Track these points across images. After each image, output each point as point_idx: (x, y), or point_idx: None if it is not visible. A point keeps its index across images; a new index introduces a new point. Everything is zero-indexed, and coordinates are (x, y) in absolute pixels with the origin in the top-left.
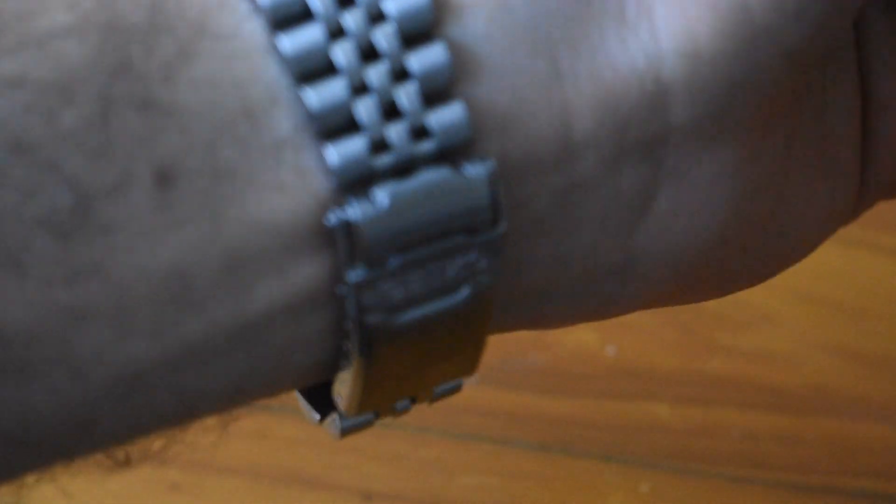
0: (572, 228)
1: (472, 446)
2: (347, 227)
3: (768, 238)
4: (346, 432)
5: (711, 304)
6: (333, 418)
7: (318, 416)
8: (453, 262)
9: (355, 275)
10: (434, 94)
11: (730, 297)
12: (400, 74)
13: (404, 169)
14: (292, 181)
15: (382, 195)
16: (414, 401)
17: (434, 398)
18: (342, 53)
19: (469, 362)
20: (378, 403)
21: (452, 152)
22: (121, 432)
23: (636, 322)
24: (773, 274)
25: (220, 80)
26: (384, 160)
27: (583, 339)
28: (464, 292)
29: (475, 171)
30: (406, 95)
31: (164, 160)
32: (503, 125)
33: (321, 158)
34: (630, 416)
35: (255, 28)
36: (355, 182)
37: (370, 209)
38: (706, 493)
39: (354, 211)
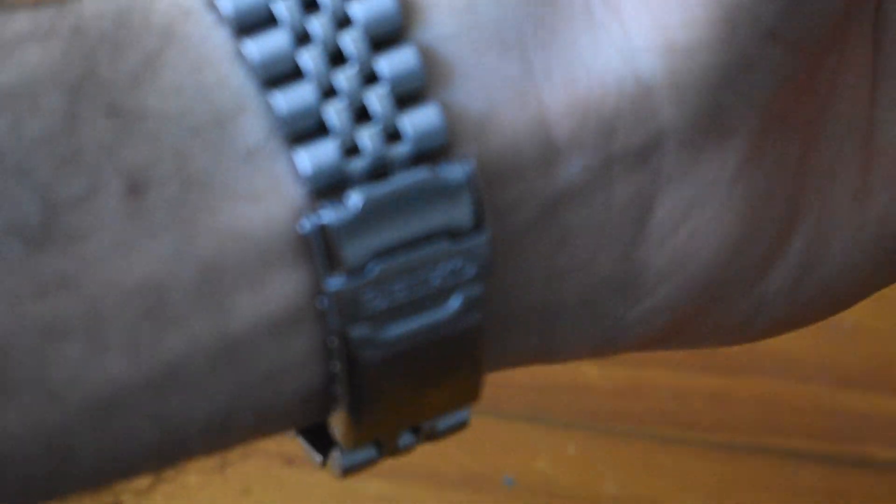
0: (565, 240)
1: None
2: (322, 234)
3: (792, 252)
4: (347, 471)
5: None
6: (334, 457)
7: (319, 458)
8: (438, 271)
9: (334, 283)
10: (406, 98)
11: None
12: (370, 78)
13: (379, 173)
14: (266, 189)
15: (357, 198)
16: (418, 435)
17: (439, 433)
18: (309, 58)
19: (469, 387)
20: (376, 432)
21: (429, 156)
22: (103, 464)
23: None
24: (819, 310)
25: (188, 88)
26: (357, 164)
27: None
28: (453, 303)
29: (453, 172)
30: (377, 98)
31: (134, 168)
32: (479, 128)
33: (293, 165)
34: (558, 376)
35: (221, 36)
36: (329, 187)
37: (344, 213)
38: (635, 453)
39: (328, 216)
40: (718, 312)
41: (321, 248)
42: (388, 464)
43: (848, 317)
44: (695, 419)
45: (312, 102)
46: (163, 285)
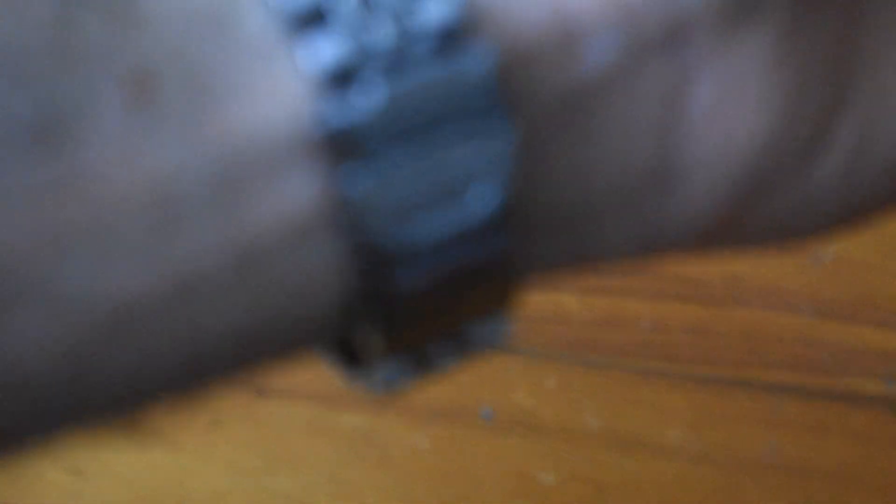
0: (592, 132)
1: None
2: (339, 129)
3: (841, 137)
4: (386, 386)
5: None
6: (370, 372)
7: (350, 374)
8: (457, 160)
9: (350, 182)
10: None
11: None
12: None
13: (396, 62)
14: (277, 83)
15: (379, 89)
16: (455, 349)
17: (474, 345)
18: None
19: (499, 291)
20: (408, 341)
21: (447, 41)
22: (122, 383)
23: None
24: (875, 197)
25: None
26: (371, 54)
27: None
28: (477, 192)
29: (476, 64)
30: None
31: (134, 70)
32: (494, 13)
33: (305, 54)
34: (537, 306)
35: None
36: (345, 73)
37: (367, 104)
38: (614, 385)
39: (348, 107)
40: (766, 205)
41: (340, 141)
42: (362, 396)
43: (830, 249)
44: (675, 350)
45: None
46: (172, 188)
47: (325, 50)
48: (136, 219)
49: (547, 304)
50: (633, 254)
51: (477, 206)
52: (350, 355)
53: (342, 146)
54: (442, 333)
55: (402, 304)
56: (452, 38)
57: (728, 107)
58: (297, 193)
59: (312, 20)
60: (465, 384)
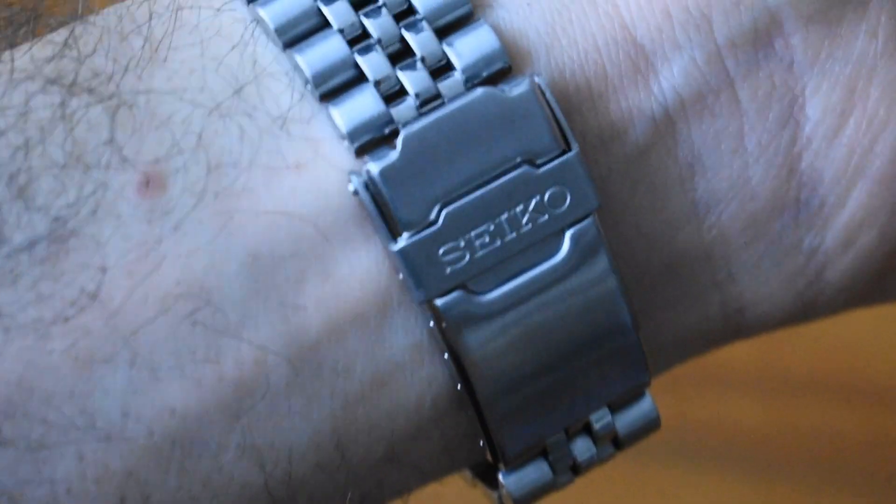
0: (697, 160)
1: None
2: (370, 188)
3: None
4: (521, 499)
5: None
6: (502, 484)
7: (495, 494)
8: (525, 207)
9: (399, 243)
10: (451, 26)
11: None
12: (404, 13)
13: (432, 111)
14: (307, 156)
15: (399, 140)
16: (594, 439)
17: (624, 437)
18: (333, 10)
19: (628, 363)
20: (524, 437)
21: (487, 81)
22: None
23: None
24: None
25: (199, 64)
26: (403, 107)
27: None
28: (562, 249)
29: (516, 88)
30: (416, 38)
31: (146, 159)
32: (545, 41)
33: (333, 123)
34: None
35: (233, 6)
36: (375, 139)
37: (387, 157)
38: None
39: (372, 165)
40: None
41: (374, 205)
42: None
43: None
44: None
45: (343, 54)
46: (206, 286)
47: (357, 112)
48: (167, 322)
49: None
50: (795, 303)
51: (564, 255)
52: (486, 470)
53: (380, 209)
54: (564, 421)
55: (488, 376)
56: (498, 74)
57: (855, 107)
58: (353, 273)
59: (344, 84)
60: None
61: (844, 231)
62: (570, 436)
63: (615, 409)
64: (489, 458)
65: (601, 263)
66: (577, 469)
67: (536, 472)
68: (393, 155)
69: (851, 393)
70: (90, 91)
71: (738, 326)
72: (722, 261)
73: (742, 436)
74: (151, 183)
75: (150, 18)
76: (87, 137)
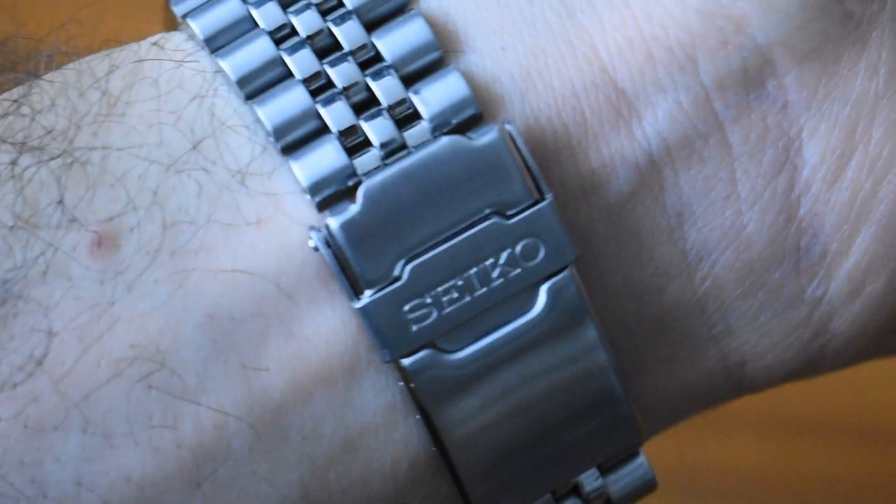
0: (686, 208)
1: None
2: (330, 243)
3: None
4: None
5: None
6: None
7: None
8: (496, 260)
9: (362, 300)
10: (418, 73)
11: None
12: (370, 61)
13: (396, 161)
14: (269, 212)
15: (360, 192)
16: (581, 498)
17: (617, 499)
18: (296, 60)
19: (615, 423)
20: (506, 500)
21: (456, 130)
22: None
23: None
24: None
25: (157, 119)
26: (366, 158)
27: None
28: (538, 303)
29: (484, 136)
30: (382, 86)
31: (98, 219)
32: (520, 86)
33: (294, 177)
34: None
35: (195, 58)
36: (338, 192)
37: (347, 211)
38: None
39: (331, 219)
40: None
41: (335, 262)
42: None
43: None
44: None
45: (305, 105)
46: (161, 349)
47: (317, 165)
48: (121, 388)
49: None
50: (799, 356)
51: (540, 311)
52: None
53: (341, 266)
54: (549, 486)
55: (463, 442)
56: (468, 122)
57: (856, 148)
58: (319, 332)
59: (306, 137)
60: None
61: (849, 280)
62: (558, 499)
63: (607, 471)
64: None
65: (579, 313)
66: None
67: None
68: (354, 208)
69: (855, 434)
70: (42, 149)
71: (740, 381)
72: (718, 313)
73: (743, 477)
74: (104, 242)
75: (109, 73)
76: (38, 197)
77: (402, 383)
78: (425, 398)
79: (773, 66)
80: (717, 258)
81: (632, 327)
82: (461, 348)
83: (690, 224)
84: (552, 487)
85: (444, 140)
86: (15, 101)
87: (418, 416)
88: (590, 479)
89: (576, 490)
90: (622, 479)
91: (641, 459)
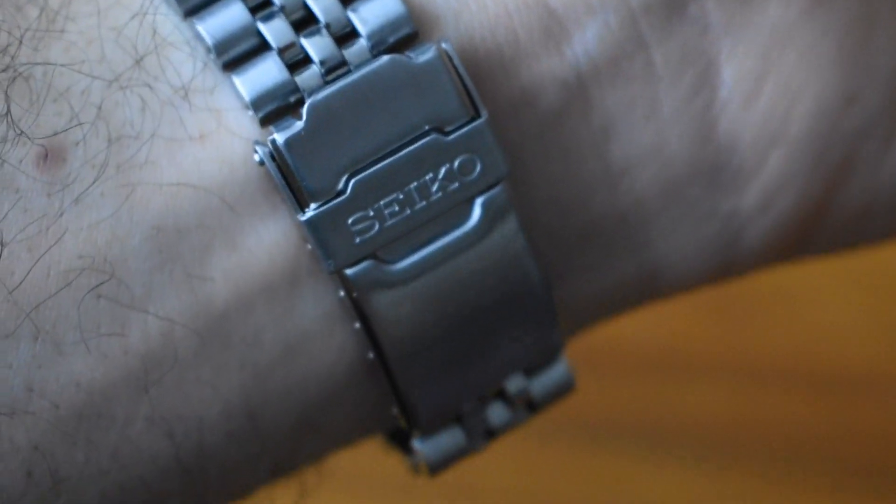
0: (612, 126)
1: None
2: (276, 158)
3: None
4: (437, 466)
5: None
6: (417, 450)
7: (410, 458)
8: (435, 175)
9: (307, 214)
10: None
11: None
12: None
13: (338, 79)
14: (211, 126)
15: (305, 109)
16: (510, 405)
17: (539, 400)
18: None
19: (540, 330)
20: (440, 404)
21: (393, 49)
22: (108, 488)
23: None
24: None
25: (97, 34)
26: (307, 75)
27: None
28: (473, 216)
29: (422, 55)
30: (319, 3)
31: (45, 132)
32: (454, 7)
33: (237, 92)
34: None
35: None
36: (280, 108)
37: (292, 127)
38: None
39: (277, 135)
40: (860, 181)
41: (280, 176)
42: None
43: None
44: None
45: (245, 21)
46: (109, 259)
47: (259, 80)
48: (70, 297)
49: None
50: (712, 262)
51: (474, 223)
52: (401, 436)
53: (280, 176)
54: (479, 388)
55: (401, 347)
56: (404, 40)
57: (771, 72)
58: (262, 243)
59: (246, 53)
60: None
61: (761, 195)
62: (483, 401)
63: (530, 373)
64: (403, 424)
65: (509, 225)
66: (492, 433)
67: (451, 438)
68: (298, 125)
69: (818, 382)
70: None
71: (654, 288)
72: (638, 226)
73: (707, 425)
74: (50, 156)
75: None
76: None
77: (343, 293)
78: (366, 305)
79: None
80: (639, 174)
81: (556, 238)
82: (401, 258)
83: (615, 141)
84: (480, 390)
85: (385, 59)
86: None
87: (357, 325)
88: (514, 382)
89: (501, 394)
90: (544, 380)
91: (563, 363)
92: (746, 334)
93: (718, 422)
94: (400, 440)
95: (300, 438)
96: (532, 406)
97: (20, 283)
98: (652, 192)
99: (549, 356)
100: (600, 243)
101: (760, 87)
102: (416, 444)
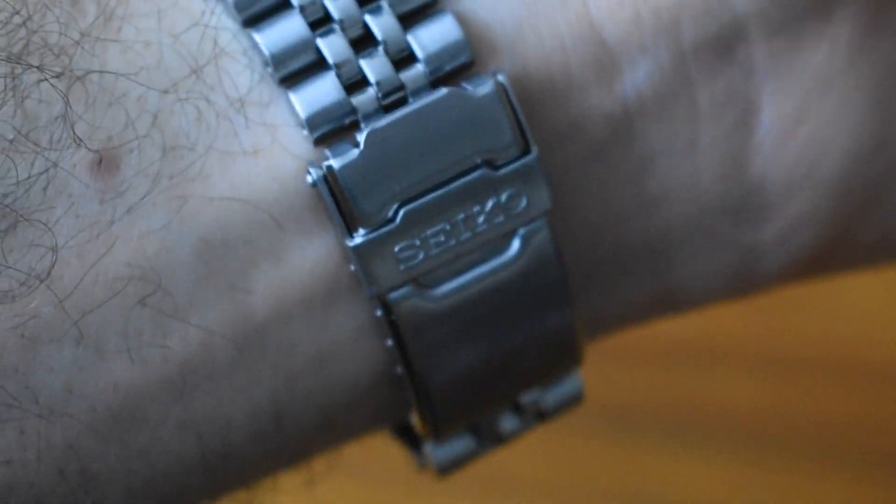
0: (652, 160)
1: None
2: (329, 182)
3: None
4: (445, 468)
5: None
6: (428, 453)
7: (420, 459)
8: (482, 208)
9: (356, 239)
10: (413, 14)
11: None
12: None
13: (394, 104)
14: (264, 142)
15: (361, 136)
16: (522, 415)
17: (549, 411)
18: None
19: (564, 349)
20: (461, 416)
21: (450, 76)
22: (136, 486)
23: None
24: None
25: (155, 38)
26: (364, 98)
27: None
28: (513, 248)
29: (479, 87)
30: (378, 18)
31: (100, 138)
32: (511, 38)
33: (292, 109)
34: None
35: None
36: (336, 129)
37: (348, 154)
38: None
39: (333, 160)
40: (877, 219)
41: (333, 200)
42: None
43: None
44: None
45: (304, 34)
46: (157, 270)
47: (316, 99)
48: (116, 303)
49: None
50: (727, 286)
51: (513, 254)
52: (413, 437)
53: (338, 203)
54: (501, 402)
55: (433, 366)
56: (461, 68)
57: (808, 117)
58: (304, 260)
59: (304, 69)
60: None
61: (781, 231)
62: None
63: (544, 385)
64: (420, 431)
65: (547, 258)
66: (500, 439)
67: (463, 444)
68: (355, 152)
69: (849, 372)
70: (41, 61)
71: (669, 306)
72: (662, 252)
73: (737, 415)
74: (105, 163)
75: None
76: (38, 112)
77: (380, 312)
78: (402, 326)
79: (746, 35)
80: (671, 205)
81: (583, 258)
82: (439, 284)
83: (652, 174)
84: (502, 405)
85: (444, 91)
86: (11, 8)
87: (389, 342)
88: (529, 394)
89: (514, 405)
90: (556, 393)
91: (576, 375)
92: (776, 323)
93: (748, 411)
94: (408, 435)
95: (319, 436)
96: (542, 415)
97: (67, 287)
98: (680, 222)
99: (566, 373)
100: (625, 265)
101: (796, 131)
102: (429, 448)
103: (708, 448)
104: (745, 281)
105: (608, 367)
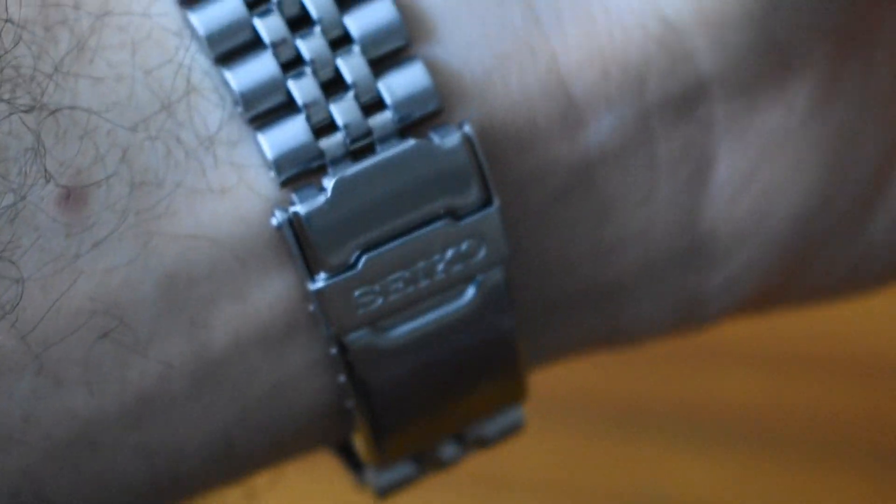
0: (608, 210)
1: None
2: (294, 226)
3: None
4: (385, 491)
5: None
6: (370, 477)
7: (358, 478)
8: (441, 257)
9: (318, 283)
10: (384, 59)
11: None
12: (340, 42)
13: (362, 151)
14: (231, 181)
15: (328, 182)
16: (463, 444)
17: (489, 440)
18: (266, 24)
19: (509, 386)
20: (406, 446)
21: (417, 123)
22: None
23: None
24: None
25: (127, 72)
26: (332, 142)
27: None
28: (468, 294)
29: (447, 138)
30: (349, 62)
31: (68, 172)
32: (480, 87)
33: (260, 149)
34: None
35: (164, 8)
36: (302, 172)
37: (315, 200)
38: None
39: (301, 205)
40: (817, 268)
41: (297, 244)
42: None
43: None
44: None
45: (274, 74)
46: (120, 304)
47: (284, 141)
48: (77, 336)
49: None
50: (670, 327)
51: (466, 302)
52: (353, 458)
53: (302, 247)
54: (444, 434)
55: (384, 405)
56: (429, 116)
57: (761, 174)
58: (264, 299)
59: (273, 110)
60: None
61: (725, 280)
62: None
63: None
64: (364, 457)
65: (501, 305)
66: (440, 465)
67: (404, 470)
68: (321, 199)
69: (855, 369)
70: (12, 93)
71: (614, 342)
72: (612, 295)
73: (742, 412)
74: (73, 197)
75: (76, 6)
76: (8, 144)
77: (334, 350)
78: (356, 365)
79: (708, 95)
80: (624, 253)
81: (536, 301)
82: (394, 327)
83: (608, 222)
84: (446, 436)
85: (411, 142)
86: None
87: (339, 378)
88: (473, 428)
89: (458, 435)
90: (498, 423)
91: (518, 409)
92: (781, 320)
93: (749, 409)
94: (348, 454)
95: (267, 458)
96: (482, 442)
97: (30, 319)
98: (632, 269)
99: (510, 406)
100: (576, 307)
101: (748, 187)
102: (371, 473)
103: (709, 446)
104: (688, 322)
105: (609, 366)
